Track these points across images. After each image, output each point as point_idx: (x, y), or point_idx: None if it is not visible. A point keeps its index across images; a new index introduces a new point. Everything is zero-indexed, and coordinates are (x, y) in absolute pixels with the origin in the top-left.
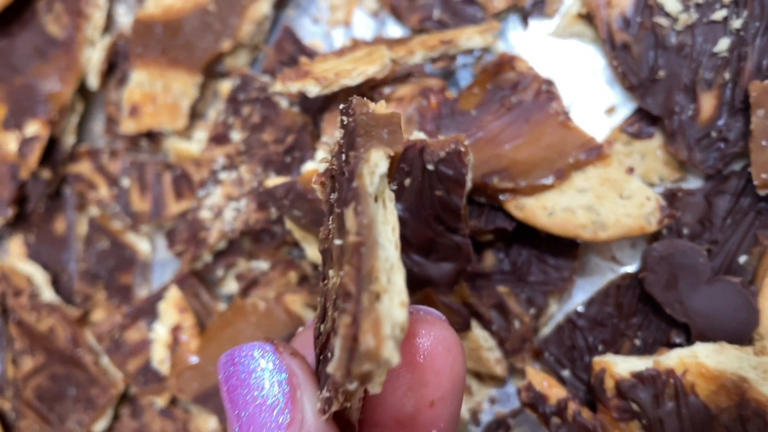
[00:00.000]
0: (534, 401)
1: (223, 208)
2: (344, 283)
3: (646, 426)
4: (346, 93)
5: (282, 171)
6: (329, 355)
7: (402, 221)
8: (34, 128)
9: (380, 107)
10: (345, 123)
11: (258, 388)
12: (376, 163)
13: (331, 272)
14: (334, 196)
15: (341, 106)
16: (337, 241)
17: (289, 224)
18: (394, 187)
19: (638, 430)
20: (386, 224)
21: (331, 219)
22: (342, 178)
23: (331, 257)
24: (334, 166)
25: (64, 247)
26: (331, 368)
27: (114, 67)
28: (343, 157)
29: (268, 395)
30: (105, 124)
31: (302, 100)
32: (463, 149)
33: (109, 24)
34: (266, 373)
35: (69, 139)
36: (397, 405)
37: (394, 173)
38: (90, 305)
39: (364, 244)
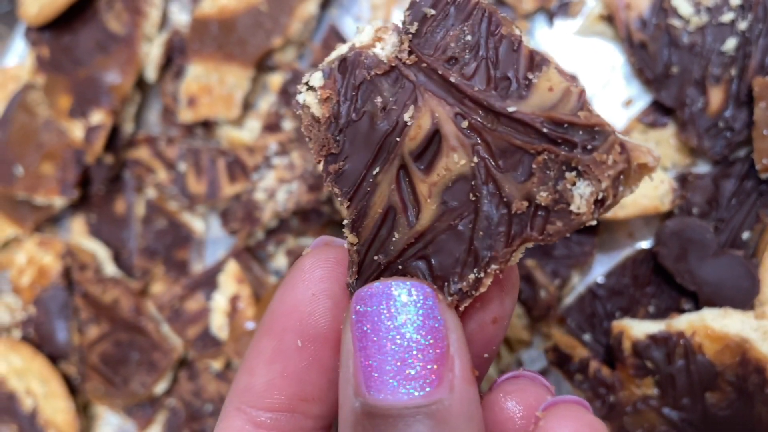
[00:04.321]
0: (559, 360)
1: (276, 190)
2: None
3: (659, 381)
4: None
5: None
6: (479, 233)
7: None
8: (98, 117)
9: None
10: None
11: (403, 337)
12: None
13: (455, 156)
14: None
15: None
16: None
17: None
18: None
19: (652, 384)
20: None
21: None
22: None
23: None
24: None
25: (124, 226)
26: (578, 206)
27: (170, 61)
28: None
29: (413, 348)
30: (161, 113)
31: None
32: None
33: (164, 21)
34: (416, 322)
35: (128, 127)
36: (462, 319)
37: None
38: (149, 278)
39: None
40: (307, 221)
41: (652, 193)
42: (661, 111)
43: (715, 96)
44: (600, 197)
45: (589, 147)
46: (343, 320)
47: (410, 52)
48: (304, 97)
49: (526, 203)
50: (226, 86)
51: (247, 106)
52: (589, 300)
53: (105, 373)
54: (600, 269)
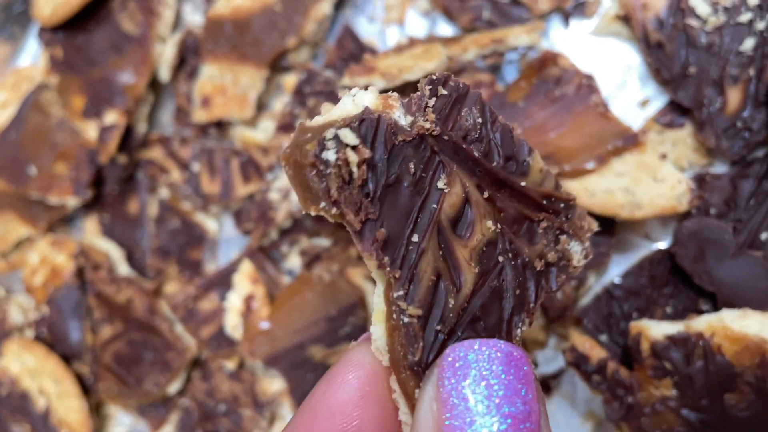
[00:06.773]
0: (577, 361)
1: (291, 190)
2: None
3: (678, 382)
4: (405, 86)
5: None
6: (534, 287)
7: None
8: (112, 117)
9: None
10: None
11: (497, 403)
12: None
13: (489, 222)
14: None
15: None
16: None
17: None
18: None
19: (670, 385)
20: None
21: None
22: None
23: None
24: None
25: (137, 225)
26: (578, 261)
27: (184, 62)
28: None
29: (507, 416)
30: (175, 113)
31: None
32: None
33: (177, 21)
34: (512, 388)
35: (141, 127)
36: None
37: None
38: (163, 278)
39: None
40: (321, 221)
41: (669, 193)
42: (678, 111)
43: (733, 96)
44: (584, 254)
45: (569, 215)
46: (424, 379)
47: (435, 124)
48: (337, 154)
49: (542, 262)
50: (240, 86)
51: (261, 106)
52: (605, 301)
53: (118, 373)
54: (616, 270)
